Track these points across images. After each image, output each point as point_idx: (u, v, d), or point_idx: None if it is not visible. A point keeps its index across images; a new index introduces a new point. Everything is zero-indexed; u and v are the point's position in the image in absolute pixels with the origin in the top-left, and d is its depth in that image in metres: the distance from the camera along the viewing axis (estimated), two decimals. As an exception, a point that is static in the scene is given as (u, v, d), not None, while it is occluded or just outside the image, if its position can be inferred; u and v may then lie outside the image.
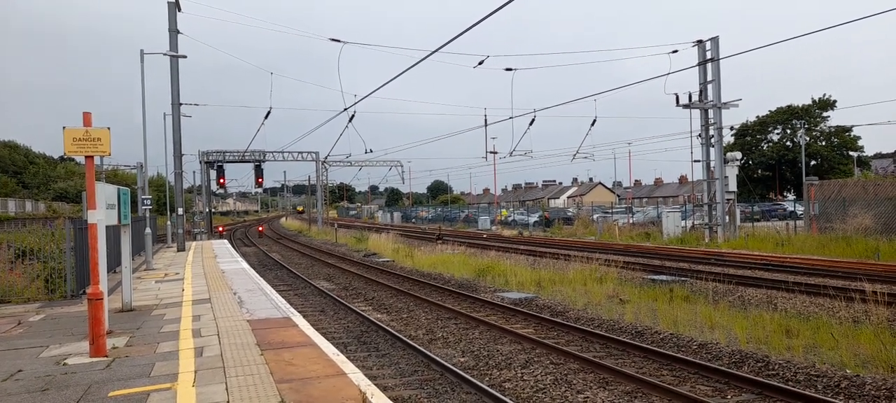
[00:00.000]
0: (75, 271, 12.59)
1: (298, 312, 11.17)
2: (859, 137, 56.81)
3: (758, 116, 60.53)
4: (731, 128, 55.51)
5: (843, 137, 56.30)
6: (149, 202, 24.19)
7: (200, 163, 49.37)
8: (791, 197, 55.39)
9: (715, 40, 27.74)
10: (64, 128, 7.74)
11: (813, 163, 54.64)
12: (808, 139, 52.81)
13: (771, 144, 59.21)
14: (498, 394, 7.58)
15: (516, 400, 7.67)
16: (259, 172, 44.69)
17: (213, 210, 62.09)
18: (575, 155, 41.54)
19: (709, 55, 27.80)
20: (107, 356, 7.55)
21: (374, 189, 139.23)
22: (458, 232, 49.21)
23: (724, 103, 27.95)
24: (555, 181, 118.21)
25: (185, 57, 26.93)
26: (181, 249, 27.37)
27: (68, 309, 11.40)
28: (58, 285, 12.75)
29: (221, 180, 44.28)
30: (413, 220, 77.03)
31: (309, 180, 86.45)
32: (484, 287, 17.03)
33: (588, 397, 7.64)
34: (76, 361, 7.38)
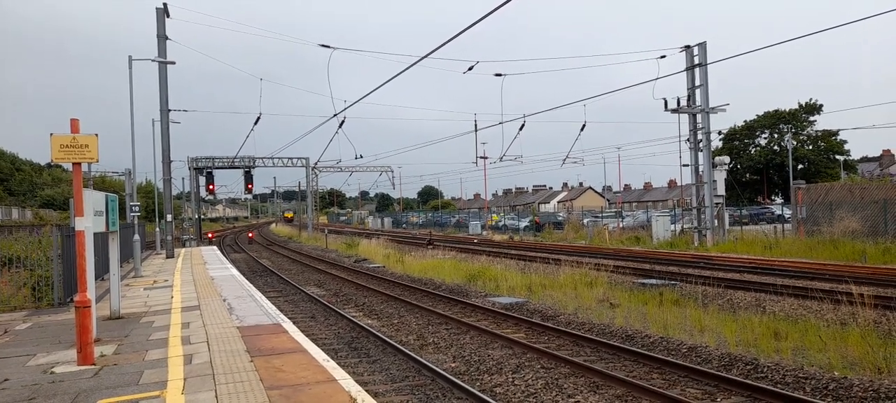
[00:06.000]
0: (63, 279, 12.48)
1: (289, 318, 11.13)
2: (846, 141, 57.58)
3: (745, 121, 61.16)
4: (720, 133, 56.01)
5: (830, 141, 56.93)
6: (137, 209, 24.04)
7: (189, 169, 49.13)
8: (779, 200, 55.89)
9: (702, 46, 27.98)
10: (51, 134, 7.69)
11: (800, 166, 55.20)
12: (795, 143, 53.35)
13: (759, 148, 59.76)
14: (489, 399, 7.58)
15: (507, 405, 7.67)
16: (249, 178, 44.53)
17: (202, 216, 61.76)
18: (565, 159, 41.81)
19: (697, 60, 28.03)
20: (94, 364, 7.49)
21: (364, 194, 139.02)
22: (449, 237, 49.22)
23: (712, 108, 28.18)
24: (545, 186, 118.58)
25: (173, 63, 26.85)
26: (170, 256, 27.20)
27: (56, 317, 11.30)
28: (45, 293, 12.63)
29: (211, 186, 44.16)
30: (404, 226, 76.96)
31: (299, 186, 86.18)
32: (475, 292, 17.03)
33: (578, 401, 7.66)
34: (64, 369, 7.31)
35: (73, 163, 7.85)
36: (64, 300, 12.43)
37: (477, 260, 25.24)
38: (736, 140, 60.27)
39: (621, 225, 42.54)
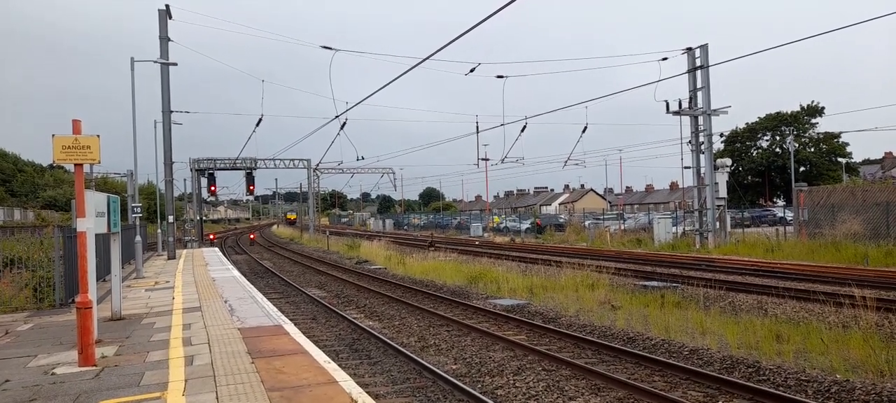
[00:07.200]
0: (64, 280, 12.48)
1: (290, 320, 11.13)
2: (847, 144, 57.46)
3: (747, 123, 61.10)
4: (722, 135, 55.95)
5: (832, 144, 56.84)
6: (139, 210, 24.06)
7: (191, 170, 49.16)
8: (781, 203, 55.79)
9: (704, 48, 27.96)
10: (53, 135, 7.70)
11: (802, 169, 55.09)
12: (797, 146, 53.24)
13: (760, 151, 59.67)
14: (490, 402, 7.57)
15: (508, 407, 7.65)
16: (250, 180, 44.57)
17: (203, 218, 61.79)
18: (566, 161, 41.75)
19: (698, 62, 28.01)
20: (96, 365, 7.49)
21: (365, 196, 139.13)
22: (450, 238, 49.19)
23: (714, 110, 28.15)
24: (546, 188, 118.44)
25: (175, 64, 26.90)
26: (172, 257, 27.22)
27: (57, 318, 11.31)
28: (46, 294, 12.64)
29: (212, 188, 44.16)
30: (405, 227, 76.95)
31: (300, 187, 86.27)
32: (476, 293, 17.02)
33: (580, 403, 7.64)
34: (65, 371, 7.31)
35: (75, 165, 7.86)
36: (65, 301, 12.44)
37: (478, 262, 25.22)
38: (737, 142, 60.20)
39: (623, 228, 42.51)
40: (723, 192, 29.61)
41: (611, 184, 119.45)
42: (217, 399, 6.02)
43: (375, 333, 12.00)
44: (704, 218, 28.87)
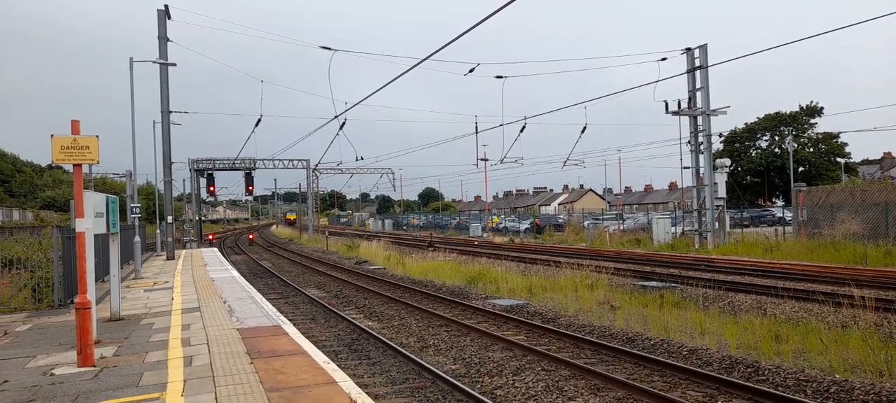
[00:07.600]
0: (63, 280, 12.47)
1: (289, 320, 11.12)
2: (846, 144, 57.47)
3: (746, 123, 61.13)
4: (721, 135, 55.94)
5: (831, 144, 56.86)
6: (138, 210, 24.06)
7: (190, 171, 49.16)
8: (780, 203, 55.81)
9: (703, 48, 27.97)
10: (52, 136, 7.70)
11: (801, 169, 55.11)
12: (795, 146, 53.25)
13: (759, 151, 59.68)
14: (489, 402, 7.57)
15: (508, 407, 7.65)
16: (249, 180, 44.55)
17: (202, 218, 61.76)
18: (565, 162, 41.76)
19: (697, 63, 28.03)
20: (94, 366, 7.48)
21: (365, 196, 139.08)
22: (450, 239, 49.18)
23: (713, 110, 28.16)
24: (546, 188, 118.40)
25: (174, 64, 26.89)
26: (171, 258, 27.20)
27: (56, 318, 11.30)
28: (45, 294, 12.62)
29: (211, 188, 44.16)
30: (404, 227, 76.94)
31: (299, 188, 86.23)
32: (475, 294, 17.01)
33: (579, 403, 7.64)
34: (63, 371, 7.30)
35: (74, 165, 7.85)
36: (64, 301, 12.43)
37: (477, 262, 25.21)
38: (737, 142, 60.21)
39: (622, 228, 42.52)
40: (722, 192, 29.63)
41: (610, 184, 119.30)
42: (216, 399, 6.02)
43: (375, 333, 12.00)
44: (703, 219, 28.89)
